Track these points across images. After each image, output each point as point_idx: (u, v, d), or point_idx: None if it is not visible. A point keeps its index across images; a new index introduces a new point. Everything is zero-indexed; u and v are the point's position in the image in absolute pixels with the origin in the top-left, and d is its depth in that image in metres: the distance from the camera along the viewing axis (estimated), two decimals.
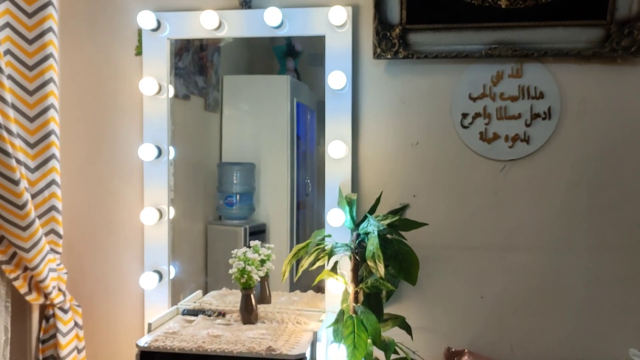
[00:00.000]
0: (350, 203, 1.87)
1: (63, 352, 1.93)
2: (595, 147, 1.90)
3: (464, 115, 1.95)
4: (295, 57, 2.36)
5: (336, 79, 1.90)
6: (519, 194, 1.94)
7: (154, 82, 1.99)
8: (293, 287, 2.21)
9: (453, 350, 1.96)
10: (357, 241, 1.82)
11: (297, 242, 2.18)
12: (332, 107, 1.96)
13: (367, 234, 1.77)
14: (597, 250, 1.91)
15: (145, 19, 1.96)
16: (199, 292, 2.18)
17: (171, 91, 2.08)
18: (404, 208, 2.00)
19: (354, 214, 1.87)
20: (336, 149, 1.92)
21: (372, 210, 1.86)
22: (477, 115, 1.94)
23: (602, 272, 1.91)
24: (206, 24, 1.93)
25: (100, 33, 2.13)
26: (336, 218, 1.89)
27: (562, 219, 1.92)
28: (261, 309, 2.00)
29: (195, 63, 2.26)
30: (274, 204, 2.33)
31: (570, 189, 1.92)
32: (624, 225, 1.90)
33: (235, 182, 2.34)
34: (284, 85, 2.30)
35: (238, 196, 2.32)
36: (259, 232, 2.31)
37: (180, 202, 2.16)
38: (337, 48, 1.94)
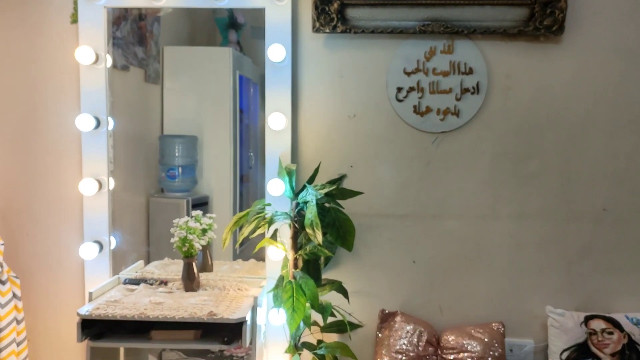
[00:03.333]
0: (289, 173, 1.93)
1: (2, 324, 1.92)
2: (518, 121, 2.02)
3: (399, 89, 2.03)
4: (237, 30, 2.36)
5: (276, 52, 1.93)
6: (449, 164, 2.05)
7: (90, 51, 1.96)
8: (236, 256, 2.25)
9: (387, 312, 2.08)
10: (297, 210, 1.88)
11: None
12: (272, 79, 1.99)
13: (306, 202, 1.83)
14: (519, 217, 2.05)
15: None
16: (141, 262, 2.20)
17: (109, 61, 2.05)
18: (341, 178, 2.07)
19: (294, 183, 1.93)
20: (276, 121, 1.97)
21: (311, 180, 1.92)
22: (411, 89, 2.02)
23: (523, 237, 2.06)
24: None
25: (34, 0, 2.06)
26: (276, 187, 1.95)
27: (488, 188, 2.05)
28: (203, 277, 2.04)
29: (134, 33, 2.22)
30: (217, 177, 2.35)
31: (495, 160, 2.04)
32: (543, 195, 2.04)
33: (177, 154, 2.34)
34: (227, 57, 2.30)
35: (180, 169, 2.33)
36: (201, 204, 2.32)
37: (121, 174, 2.16)
38: (277, 21, 1.97)
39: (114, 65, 2.11)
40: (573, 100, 2.00)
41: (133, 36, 2.21)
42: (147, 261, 2.25)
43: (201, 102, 2.34)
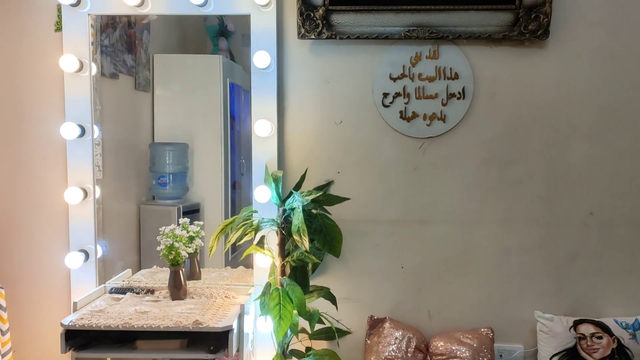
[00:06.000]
0: (276, 180, 1.92)
1: None
2: (504, 126, 2.02)
3: (385, 95, 2.03)
4: (228, 37, 2.37)
5: (261, 58, 1.93)
6: (436, 170, 2.05)
7: (74, 59, 1.95)
8: (228, 263, 2.24)
9: (375, 318, 2.07)
10: (284, 216, 1.88)
11: None
12: (257, 86, 1.99)
13: (292, 209, 1.82)
14: (505, 222, 2.05)
15: None
16: (129, 271, 2.19)
17: (94, 69, 2.04)
18: (328, 184, 2.07)
19: (280, 190, 1.92)
20: (262, 127, 1.96)
21: (297, 187, 1.92)
22: (397, 94, 2.02)
23: (511, 242, 2.06)
24: (128, 0, 1.91)
25: (18, 8, 2.05)
26: (262, 194, 1.94)
27: (475, 193, 2.05)
28: (190, 285, 2.03)
29: (124, 41, 2.22)
30: (208, 184, 2.34)
31: (481, 165, 2.04)
32: (529, 199, 2.04)
33: (168, 162, 2.33)
34: (217, 65, 2.30)
35: (171, 176, 2.32)
36: (193, 212, 2.32)
37: (111, 182, 2.15)
38: (262, 27, 1.96)
39: (103, 73, 2.11)
40: (558, 104, 2.00)
41: (122, 44, 2.21)
42: (139, 269, 2.24)
43: (192, 110, 2.34)
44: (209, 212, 2.33)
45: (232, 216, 2.29)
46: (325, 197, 1.90)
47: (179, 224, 1.98)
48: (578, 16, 1.96)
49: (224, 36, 2.37)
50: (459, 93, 2.01)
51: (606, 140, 2.01)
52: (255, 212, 1.94)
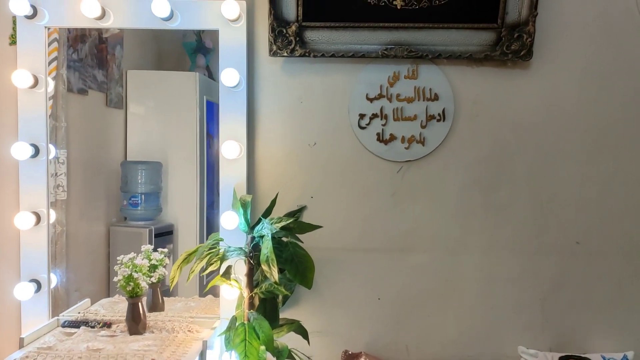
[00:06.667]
0: (244, 205, 1.80)
1: None
2: (487, 149, 1.93)
3: (362, 116, 1.93)
4: (206, 54, 2.32)
5: (229, 76, 1.82)
6: (415, 195, 1.95)
7: (28, 75, 1.82)
8: (200, 291, 2.14)
9: (350, 352, 1.94)
10: (252, 244, 1.76)
11: None
12: (226, 105, 1.88)
13: (262, 237, 1.71)
14: (489, 250, 1.95)
15: (18, 5, 1.78)
16: (87, 301, 2.03)
17: (51, 85, 1.91)
18: (301, 210, 1.95)
19: (249, 216, 1.80)
20: (230, 149, 1.84)
21: (267, 213, 1.80)
22: (374, 116, 1.92)
23: (494, 271, 1.95)
24: (87, 11, 1.79)
25: None
26: (230, 221, 1.82)
27: (457, 219, 1.95)
28: (152, 317, 1.88)
29: (94, 56, 2.12)
30: (183, 205, 2.26)
31: (464, 190, 1.94)
32: (514, 226, 1.94)
33: (140, 181, 2.24)
34: (193, 82, 2.23)
35: (143, 196, 2.24)
36: (166, 234, 2.23)
37: (77, 203, 2.03)
38: (232, 43, 1.86)
39: (70, 89, 2.00)
40: (543, 127, 1.92)
41: (92, 59, 2.12)
42: (107, 295, 2.11)
43: (166, 128, 2.26)
44: (183, 234, 2.25)
45: (207, 238, 2.19)
46: (296, 224, 1.78)
47: (141, 252, 1.85)
48: (563, 35, 1.88)
49: (201, 53, 2.32)
50: (439, 115, 1.91)
51: (594, 163, 1.92)
52: (222, 240, 1.81)
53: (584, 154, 1.92)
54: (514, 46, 1.85)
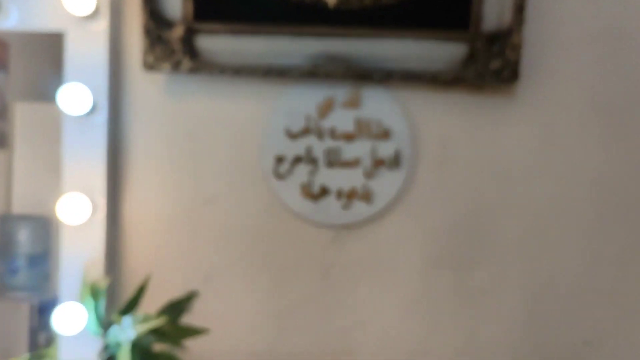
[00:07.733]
0: (96, 294, 1.21)
1: None
2: (460, 209, 1.41)
3: (279, 160, 1.38)
4: None
5: (76, 99, 1.23)
6: (358, 276, 1.40)
7: None
8: None
9: None
10: (106, 356, 1.17)
11: None
12: (73, 142, 1.28)
13: (119, 344, 1.12)
14: (463, 355, 1.41)
15: None
16: None
17: None
18: (189, 298, 1.36)
19: (103, 310, 1.21)
20: (73, 209, 1.24)
21: (130, 306, 1.21)
22: (297, 159, 1.38)
23: None
24: None
25: None
26: (67, 321, 1.20)
27: (418, 312, 1.41)
28: None
29: None
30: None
31: (427, 268, 1.40)
32: (499, 320, 1.41)
33: (21, 241, 1.75)
34: None
35: (26, 260, 1.75)
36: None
37: None
38: (84, 52, 1.28)
39: None
40: (537, 177, 1.41)
41: None
42: None
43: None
44: None
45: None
46: (173, 327, 1.19)
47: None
48: (561, 50, 1.40)
49: None
50: (391, 159, 1.38)
51: (607, 231, 1.42)
52: (54, 349, 1.20)
53: (592, 217, 1.42)
54: (493, 64, 1.34)
